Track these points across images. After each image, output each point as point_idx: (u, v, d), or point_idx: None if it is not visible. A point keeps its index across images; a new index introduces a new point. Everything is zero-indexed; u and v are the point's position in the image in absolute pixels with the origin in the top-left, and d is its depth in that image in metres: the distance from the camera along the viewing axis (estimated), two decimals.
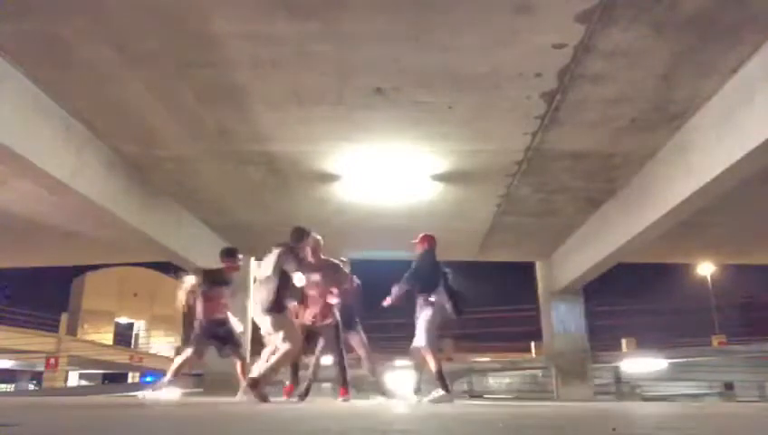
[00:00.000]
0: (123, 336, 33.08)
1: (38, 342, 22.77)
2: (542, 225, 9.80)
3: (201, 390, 10.77)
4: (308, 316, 5.86)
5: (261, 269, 5.57)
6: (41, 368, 24.61)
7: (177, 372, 6.08)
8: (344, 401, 5.79)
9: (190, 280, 6.24)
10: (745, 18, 4.60)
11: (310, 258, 5.79)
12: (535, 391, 13.17)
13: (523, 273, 13.88)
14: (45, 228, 10.01)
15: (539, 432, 2.29)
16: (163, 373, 6.85)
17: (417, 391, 6.11)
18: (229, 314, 6.37)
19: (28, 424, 2.56)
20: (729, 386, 13.63)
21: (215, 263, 8.08)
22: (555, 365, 11.51)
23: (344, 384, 5.95)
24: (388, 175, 7.78)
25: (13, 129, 5.37)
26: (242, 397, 5.67)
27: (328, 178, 7.90)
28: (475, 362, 17.88)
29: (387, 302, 5.92)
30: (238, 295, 7.13)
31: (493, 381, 14.54)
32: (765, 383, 13.92)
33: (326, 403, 5.77)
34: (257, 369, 5.37)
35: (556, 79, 5.46)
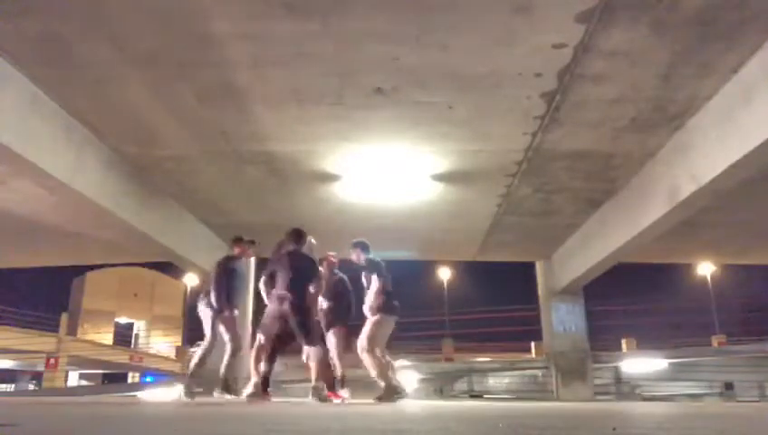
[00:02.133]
0: (123, 336, 33.11)
1: (38, 342, 22.80)
2: (542, 225, 9.80)
3: (201, 389, 10.76)
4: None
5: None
6: (41, 368, 24.63)
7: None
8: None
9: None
10: (745, 18, 4.60)
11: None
12: (535, 391, 13.17)
13: (523, 273, 13.89)
14: (45, 228, 10.01)
15: (539, 432, 2.29)
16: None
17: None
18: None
19: (28, 424, 2.56)
20: (729, 386, 13.65)
21: (213, 263, 8.09)
22: (555, 365, 11.51)
23: (330, 388, 5.92)
24: (388, 175, 7.77)
25: (13, 129, 5.37)
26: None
27: (328, 178, 7.90)
28: (475, 362, 17.88)
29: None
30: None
31: (493, 381, 14.54)
32: (765, 383, 13.93)
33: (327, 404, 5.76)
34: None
35: (556, 79, 5.46)
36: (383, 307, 5.94)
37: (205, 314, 6.28)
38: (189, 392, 6.24)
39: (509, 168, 7.53)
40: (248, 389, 5.67)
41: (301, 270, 5.59)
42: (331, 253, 6.92)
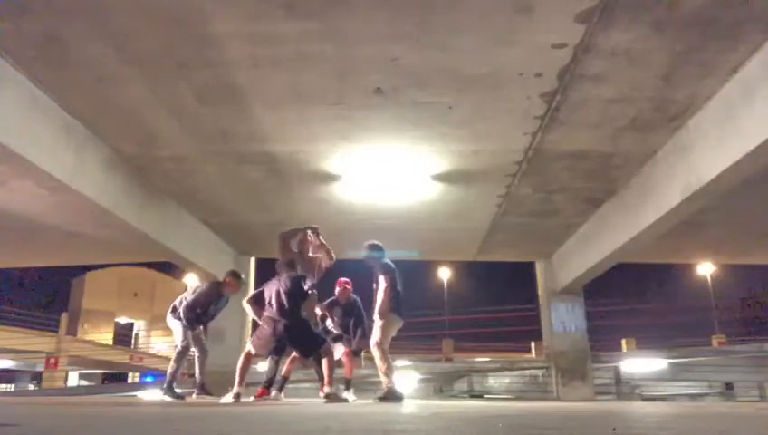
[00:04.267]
0: (123, 336, 33.13)
1: (38, 342, 22.81)
2: (542, 225, 9.80)
3: (181, 391, 10.77)
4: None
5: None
6: (41, 368, 24.65)
7: None
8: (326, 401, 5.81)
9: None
10: (745, 18, 4.60)
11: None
12: (536, 392, 13.16)
13: (523, 273, 13.90)
14: (45, 228, 10.00)
15: (539, 432, 2.29)
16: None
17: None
18: None
19: (28, 424, 2.56)
20: (729, 386, 13.63)
21: (213, 263, 8.17)
22: (555, 365, 11.51)
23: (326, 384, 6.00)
24: (388, 175, 7.77)
25: (12, 129, 5.37)
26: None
27: (328, 178, 7.90)
28: (475, 362, 17.88)
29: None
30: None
31: (493, 381, 14.53)
32: (765, 383, 13.92)
33: (326, 403, 5.77)
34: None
35: (556, 79, 5.46)
36: (393, 307, 6.15)
37: (174, 324, 6.86)
38: (171, 393, 6.63)
39: (509, 168, 7.53)
40: (227, 397, 5.74)
41: (292, 293, 5.87)
42: (344, 279, 7.32)
